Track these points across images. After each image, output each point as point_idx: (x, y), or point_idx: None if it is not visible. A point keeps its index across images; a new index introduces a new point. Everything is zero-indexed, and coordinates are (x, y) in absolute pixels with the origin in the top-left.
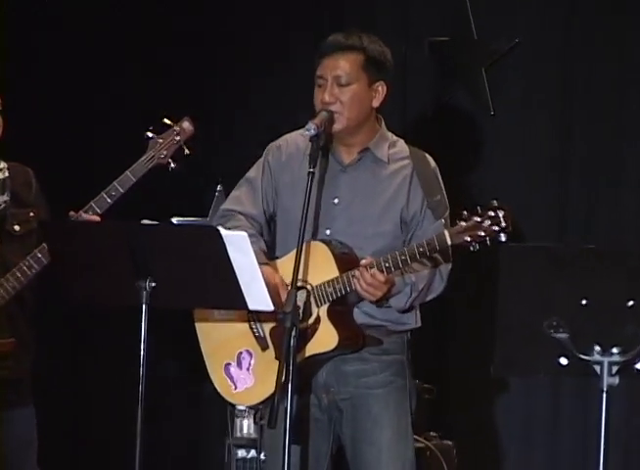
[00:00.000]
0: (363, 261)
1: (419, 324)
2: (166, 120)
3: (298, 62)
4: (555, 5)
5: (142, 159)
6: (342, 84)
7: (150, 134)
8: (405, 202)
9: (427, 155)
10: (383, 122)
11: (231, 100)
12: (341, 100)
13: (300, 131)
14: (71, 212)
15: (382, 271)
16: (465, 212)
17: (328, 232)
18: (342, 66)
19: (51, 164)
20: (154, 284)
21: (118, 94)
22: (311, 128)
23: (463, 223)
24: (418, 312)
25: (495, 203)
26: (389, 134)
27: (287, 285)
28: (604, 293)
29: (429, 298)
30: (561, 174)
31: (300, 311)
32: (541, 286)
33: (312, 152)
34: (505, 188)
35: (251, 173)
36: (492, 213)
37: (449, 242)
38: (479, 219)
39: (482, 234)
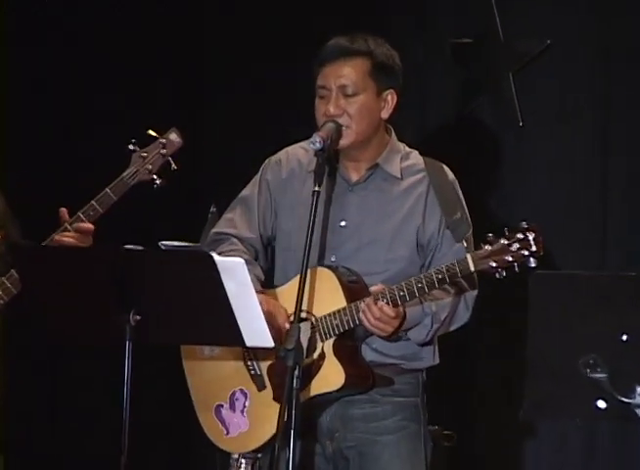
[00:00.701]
0: (373, 288)
1: (437, 361)
2: (151, 132)
3: (298, 72)
4: (592, 2)
5: (124, 174)
6: (349, 94)
7: (132, 147)
8: (421, 221)
9: (444, 166)
10: (393, 133)
11: (224, 109)
12: (348, 112)
13: (303, 144)
14: (62, 209)
15: (395, 301)
16: (490, 235)
17: (333, 258)
18: (347, 73)
19: (30, 179)
20: (139, 317)
21: (103, 107)
22: (317, 141)
23: (488, 247)
24: (436, 347)
25: (524, 224)
26: (401, 145)
27: (289, 317)
28: None
29: (452, 328)
30: (599, 193)
31: (305, 347)
32: (576, 319)
33: (317, 168)
34: (535, 208)
35: (246, 192)
36: (521, 236)
37: (472, 268)
38: (506, 242)
39: (510, 259)
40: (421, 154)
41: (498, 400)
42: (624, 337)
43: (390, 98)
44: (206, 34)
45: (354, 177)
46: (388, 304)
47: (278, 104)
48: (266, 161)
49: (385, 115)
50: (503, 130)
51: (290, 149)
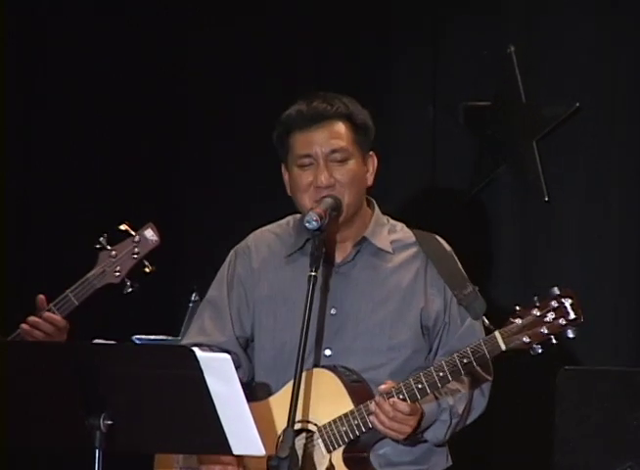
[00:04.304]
0: (382, 387)
1: (450, 462)
2: (123, 227)
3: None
4: (626, 57)
5: (88, 276)
6: (339, 161)
7: (101, 245)
8: (424, 301)
9: (437, 237)
10: (375, 205)
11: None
12: (339, 181)
13: (270, 228)
14: (40, 296)
15: (414, 396)
16: (518, 307)
17: (328, 352)
18: (336, 137)
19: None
20: (110, 422)
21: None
22: (313, 220)
23: (518, 321)
24: (447, 447)
25: (556, 290)
26: (385, 218)
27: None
28: None
29: (469, 420)
30: (636, 278)
31: (300, 457)
32: (611, 420)
33: (314, 250)
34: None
35: (213, 292)
36: (556, 304)
37: (503, 346)
38: (538, 313)
39: (546, 332)
40: (409, 226)
41: None
42: None
43: (372, 162)
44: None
45: (339, 257)
46: (405, 400)
47: (263, 182)
48: (231, 252)
49: (370, 181)
50: (525, 205)
51: (255, 235)
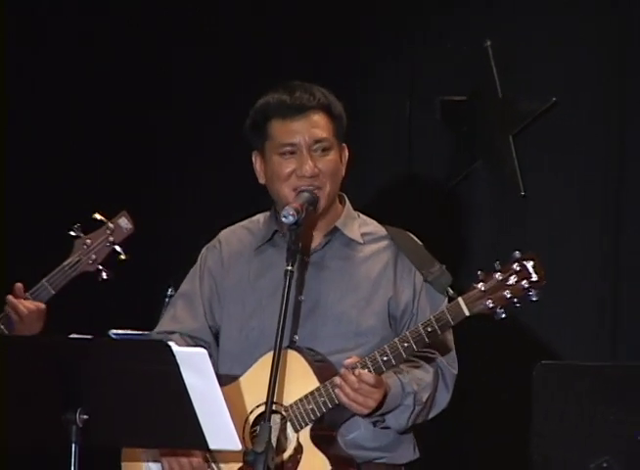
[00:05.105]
0: (347, 361)
1: (417, 455)
2: (98, 216)
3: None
4: (603, 52)
5: (64, 264)
6: (322, 150)
7: (76, 233)
8: (392, 293)
9: (409, 233)
10: (347, 200)
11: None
12: (322, 171)
13: (243, 224)
14: (18, 284)
15: (379, 368)
16: (480, 272)
17: (296, 337)
18: (318, 128)
19: None
20: (86, 417)
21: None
22: (289, 214)
23: (481, 285)
24: (414, 439)
25: (518, 253)
26: (356, 213)
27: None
28: None
29: (431, 414)
30: (611, 273)
31: (274, 446)
32: (587, 416)
33: (291, 245)
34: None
35: (186, 286)
36: (518, 267)
37: (467, 312)
38: (501, 277)
39: (509, 295)
40: (381, 222)
41: None
42: None
43: (345, 154)
44: (153, 111)
45: (309, 246)
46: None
47: (232, 180)
48: (203, 249)
49: (343, 172)
50: (502, 200)
51: (226, 231)
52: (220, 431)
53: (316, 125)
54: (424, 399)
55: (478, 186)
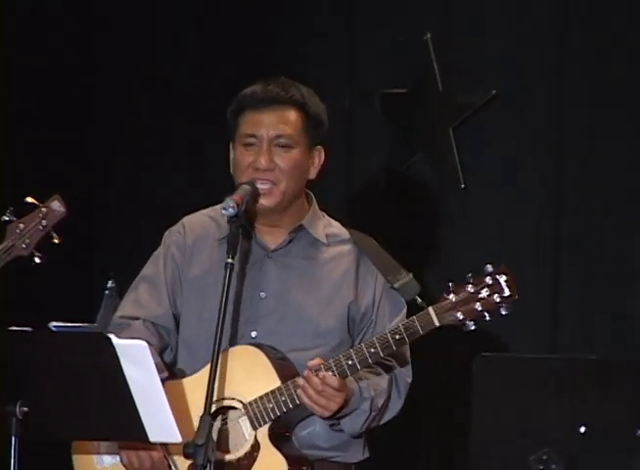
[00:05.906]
0: (311, 362)
1: (367, 455)
2: (30, 199)
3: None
4: (541, 46)
5: None
6: (283, 146)
7: (8, 217)
8: (354, 295)
9: (371, 238)
10: (314, 200)
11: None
12: (279, 167)
13: (204, 211)
14: None
15: (343, 373)
16: (451, 283)
17: (254, 334)
18: (283, 124)
19: None
20: (26, 409)
21: None
22: (229, 206)
23: (452, 297)
24: (364, 439)
25: (490, 267)
26: (322, 213)
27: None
28: (608, 417)
29: (383, 420)
30: (552, 266)
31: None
32: (528, 409)
33: (231, 237)
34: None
35: (149, 270)
36: (490, 281)
37: (437, 323)
38: (472, 290)
39: (480, 308)
40: (343, 224)
41: None
42: (582, 429)
43: (318, 156)
44: (97, 96)
45: (272, 244)
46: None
47: (179, 166)
48: (166, 232)
49: (312, 175)
50: (441, 193)
51: (190, 217)
52: (160, 423)
53: (283, 121)
54: (379, 406)
55: (418, 179)
